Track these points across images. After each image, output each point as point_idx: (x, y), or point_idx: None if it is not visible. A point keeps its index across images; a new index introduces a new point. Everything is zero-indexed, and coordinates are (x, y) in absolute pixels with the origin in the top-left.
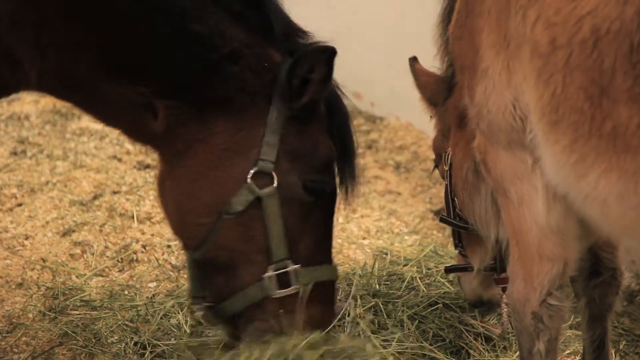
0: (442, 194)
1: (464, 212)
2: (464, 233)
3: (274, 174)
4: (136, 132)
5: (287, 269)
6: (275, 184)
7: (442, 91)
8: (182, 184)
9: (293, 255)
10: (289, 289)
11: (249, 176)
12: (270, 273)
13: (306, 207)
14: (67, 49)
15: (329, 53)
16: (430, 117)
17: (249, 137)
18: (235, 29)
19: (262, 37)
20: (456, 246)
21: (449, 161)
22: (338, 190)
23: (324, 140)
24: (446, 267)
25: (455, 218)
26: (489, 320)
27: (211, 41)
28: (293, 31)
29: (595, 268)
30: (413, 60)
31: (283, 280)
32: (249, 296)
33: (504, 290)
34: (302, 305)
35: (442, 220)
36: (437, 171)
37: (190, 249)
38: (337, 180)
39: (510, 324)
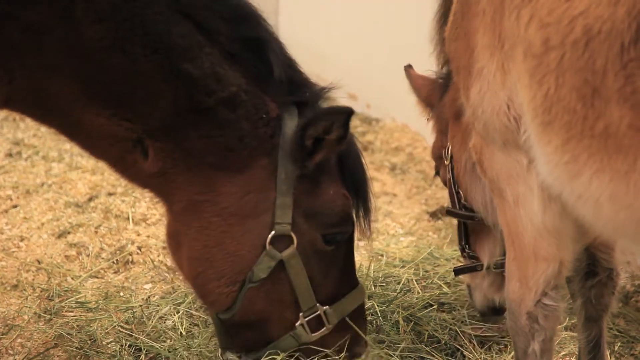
0: (438, 195)
1: (469, 201)
2: (471, 228)
3: (292, 234)
4: (125, 168)
5: (317, 313)
6: (295, 244)
7: (438, 91)
8: (197, 248)
9: (320, 298)
10: (322, 330)
11: (268, 241)
12: (301, 321)
13: (328, 255)
14: (39, 73)
15: (347, 115)
16: (427, 119)
17: (259, 201)
18: (233, 73)
19: (259, 85)
20: (462, 248)
21: (449, 155)
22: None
23: (338, 192)
24: (455, 268)
25: (461, 210)
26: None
27: (205, 83)
28: (294, 79)
29: (592, 268)
30: (408, 67)
31: (315, 324)
32: (283, 346)
33: None
34: (336, 338)
35: (448, 212)
36: (437, 177)
37: (214, 312)
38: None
39: None
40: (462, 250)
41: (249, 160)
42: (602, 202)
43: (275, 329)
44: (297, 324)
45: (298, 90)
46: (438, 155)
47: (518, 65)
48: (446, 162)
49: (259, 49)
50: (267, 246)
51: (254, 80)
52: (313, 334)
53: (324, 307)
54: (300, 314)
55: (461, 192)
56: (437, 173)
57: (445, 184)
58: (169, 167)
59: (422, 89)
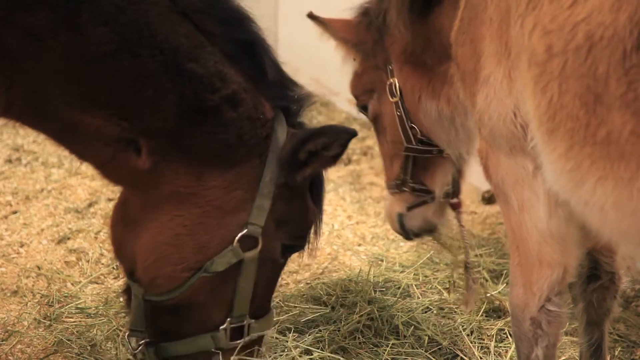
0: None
1: (432, 137)
2: (422, 162)
3: (259, 238)
4: (115, 167)
5: (243, 323)
6: (259, 248)
7: (371, 31)
8: (167, 234)
9: (251, 310)
10: (239, 341)
11: (237, 239)
12: (226, 326)
13: (275, 268)
14: (38, 79)
15: (350, 136)
16: (354, 59)
17: (241, 198)
18: (234, 72)
19: (255, 85)
20: (403, 181)
21: (397, 92)
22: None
23: (310, 205)
24: (408, 206)
25: (418, 145)
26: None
27: (210, 81)
28: (284, 82)
29: (594, 272)
30: (313, 15)
31: (236, 333)
32: (199, 344)
33: (459, 214)
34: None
35: (407, 149)
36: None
37: (147, 291)
38: None
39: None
40: (403, 183)
41: (243, 158)
42: (607, 210)
43: (200, 325)
44: (221, 327)
45: (286, 92)
46: (367, 89)
47: (523, 74)
48: (393, 99)
49: (252, 50)
50: (235, 243)
51: (250, 80)
52: (230, 342)
53: (251, 320)
54: (229, 319)
55: (416, 128)
56: (363, 108)
57: (374, 119)
58: (161, 162)
59: (346, 30)
